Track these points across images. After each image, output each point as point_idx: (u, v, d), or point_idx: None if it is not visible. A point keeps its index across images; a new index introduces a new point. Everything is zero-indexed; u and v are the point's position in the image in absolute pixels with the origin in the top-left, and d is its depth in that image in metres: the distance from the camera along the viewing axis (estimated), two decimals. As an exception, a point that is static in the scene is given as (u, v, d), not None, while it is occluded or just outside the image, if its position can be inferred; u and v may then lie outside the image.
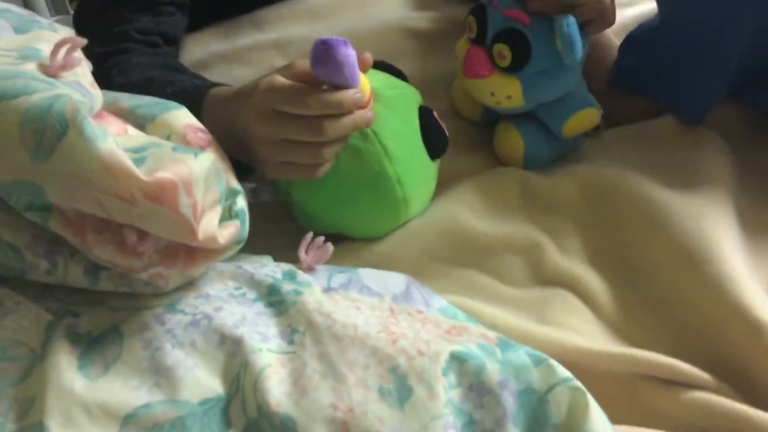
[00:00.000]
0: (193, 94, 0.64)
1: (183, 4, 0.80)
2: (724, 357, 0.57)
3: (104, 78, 0.63)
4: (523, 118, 0.73)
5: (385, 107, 0.63)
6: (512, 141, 0.72)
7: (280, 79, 0.57)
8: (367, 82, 0.59)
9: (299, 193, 0.64)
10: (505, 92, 0.68)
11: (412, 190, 0.64)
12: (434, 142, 0.66)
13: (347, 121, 0.58)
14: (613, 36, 0.85)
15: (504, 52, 0.66)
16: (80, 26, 0.79)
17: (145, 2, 0.75)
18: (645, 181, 0.67)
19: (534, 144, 0.72)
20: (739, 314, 0.56)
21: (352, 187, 0.63)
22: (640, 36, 0.76)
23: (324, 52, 0.54)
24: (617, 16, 0.91)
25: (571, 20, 0.63)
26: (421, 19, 0.89)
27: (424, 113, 0.67)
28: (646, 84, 0.75)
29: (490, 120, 0.76)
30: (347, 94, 0.57)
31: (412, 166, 0.64)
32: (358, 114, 0.58)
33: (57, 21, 0.66)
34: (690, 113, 0.74)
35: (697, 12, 0.70)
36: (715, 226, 0.61)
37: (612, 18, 0.68)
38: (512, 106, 0.69)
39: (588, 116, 0.71)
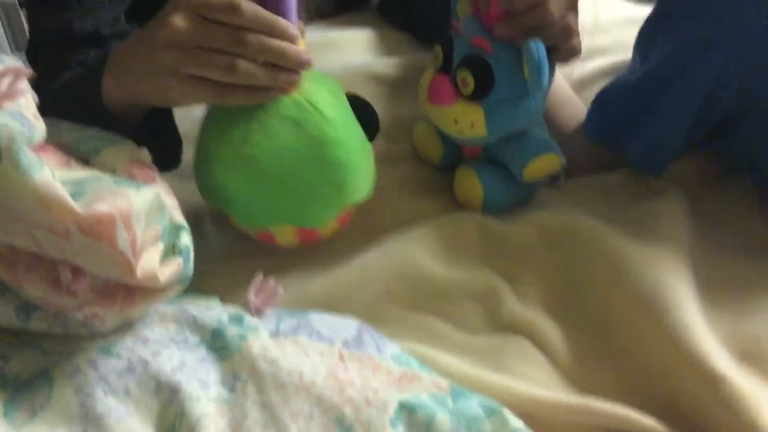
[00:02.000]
0: (95, 63, 0.60)
1: None
2: (681, 406, 0.56)
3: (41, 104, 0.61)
4: (482, 162, 0.73)
5: (314, 83, 0.61)
6: (471, 185, 0.72)
7: None
8: (302, 42, 0.57)
9: (238, 181, 0.60)
10: (468, 120, 0.67)
11: (356, 157, 0.61)
12: (366, 122, 0.65)
13: (275, 44, 0.53)
14: (570, 90, 0.86)
15: (467, 79, 0.66)
16: (31, 60, 0.77)
17: (90, 38, 0.73)
18: (604, 229, 0.67)
19: (493, 189, 0.71)
20: (695, 364, 0.55)
21: (295, 160, 0.59)
22: (609, 90, 0.77)
23: None
24: (576, 70, 0.93)
25: (540, 45, 0.63)
26: (384, 65, 0.89)
27: (352, 97, 0.65)
28: (611, 137, 0.76)
29: (450, 163, 0.76)
30: (283, 20, 0.54)
31: (352, 134, 0.62)
32: (290, 46, 0.54)
33: (19, 58, 0.65)
34: (648, 168, 0.75)
35: (654, 69, 0.72)
36: (672, 276, 0.61)
37: (578, 47, 0.67)
38: (475, 136, 0.69)
39: (549, 161, 0.70)
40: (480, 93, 0.66)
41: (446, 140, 0.75)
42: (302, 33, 0.58)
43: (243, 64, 0.53)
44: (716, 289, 0.63)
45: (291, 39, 0.55)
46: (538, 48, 0.62)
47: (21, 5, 1.70)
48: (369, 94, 0.84)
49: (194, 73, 0.54)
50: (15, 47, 1.66)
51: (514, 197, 0.73)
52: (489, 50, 0.65)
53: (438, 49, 0.69)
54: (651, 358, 0.58)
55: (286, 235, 0.63)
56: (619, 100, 0.76)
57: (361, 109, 0.65)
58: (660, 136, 0.73)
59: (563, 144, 0.80)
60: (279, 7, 0.55)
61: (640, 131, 0.74)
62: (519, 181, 0.71)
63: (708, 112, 0.71)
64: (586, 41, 0.96)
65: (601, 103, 0.77)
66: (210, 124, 0.62)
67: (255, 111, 0.59)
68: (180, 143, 0.66)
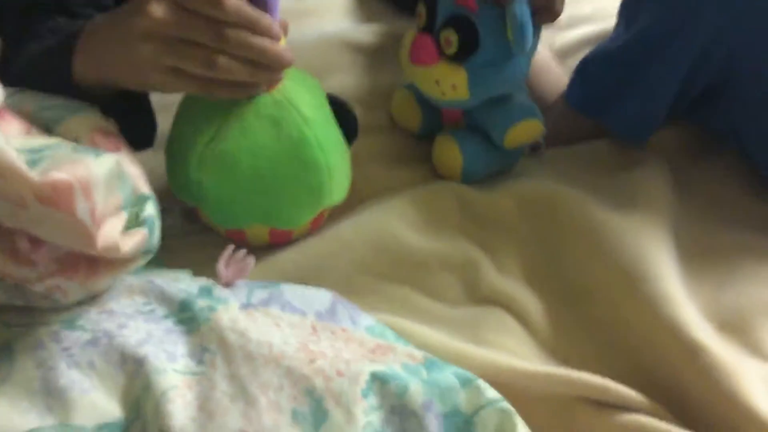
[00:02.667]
0: (65, 39, 0.58)
1: (106, 6, 0.76)
2: (660, 377, 0.55)
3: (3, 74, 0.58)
4: (462, 130, 0.71)
5: (294, 83, 0.60)
6: (450, 154, 0.70)
7: None
8: (283, 39, 0.56)
9: (213, 177, 0.58)
10: (450, 81, 0.65)
11: (333, 159, 0.60)
12: (345, 123, 0.64)
13: (256, 42, 0.52)
14: (552, 59, 0.85)
15: (451, 38, 0.64)
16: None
17: (60, 5, 0.71)
18: (584, 199, 0.65)
19: (472, 157, 0.70)
20: (674, 334, 0.54)
21: (272, 159, 0.58)
22: (592, 58, 0.76)
23: None
24: (558, 39, 0.92)
25: (525, 7, 0.61)
26: (362, 32, 0.87)
27: (332, 99, 0.64)
28: (594, 106, 0.75)
29: (429, 131, 0.74)
30: (266, 17, 0.52)
31: (331, 135, 0.61)
32: (272, 44, 0.53)
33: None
34: (632, 136, 0.74)
35: (639, 36, 0.71)
36: (653, 246, 0.60)
37: (560, 8, 0.66)
38: (457, 99, 0.67)
39: (531, 127, 0.69)
40: (463, 54, 0.65)
41: (425, 108, 0.73)
42: (285, 30, 0.57)
43: (223, 60, 0.52)
44: (697, 260, 0.62)
45: (273, 37, 0.53)
46: (522, 9, 0.61)
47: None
48: (346, 62, 0.82)
49: (173, 65, 0.52)
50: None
51: (495, 166, 0.71)
52: (475, 9, 0.64)
53: (421, 7, 0.67)
54: (630, 329, 0.57)
55: (258, 234, 0.62)
56: (603, 67, 0.75)
57: (340, 110, 0.64)
58: (644, 105, 0.72)
59: (544, 113, 0.79)
60: (262, 4, 0.54)
61: (624, 99, 0.72)
62: (500, 148, 0.70)
63: (692, 81, 0.70)
64: (568, 10, 0.94)
65: (583, 71, 0.76)
66: (183, 115, 0.61)
67: (232, 106, 0.58)
68: (154, 122, 0.65)
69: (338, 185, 0.62)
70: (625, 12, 0.75)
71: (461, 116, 0.72)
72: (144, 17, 0.51)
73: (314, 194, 0.60)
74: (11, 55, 0.65)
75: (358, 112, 0.71)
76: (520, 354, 0.57)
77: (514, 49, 0.64)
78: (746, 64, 0.67)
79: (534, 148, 0.75)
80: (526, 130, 0.69)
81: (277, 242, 0.62)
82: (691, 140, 0.77)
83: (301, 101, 0.59)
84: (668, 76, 0.70)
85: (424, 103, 0.73)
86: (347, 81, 0.79)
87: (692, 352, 0.53)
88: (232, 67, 0.53)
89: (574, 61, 0.78)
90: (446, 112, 0.73)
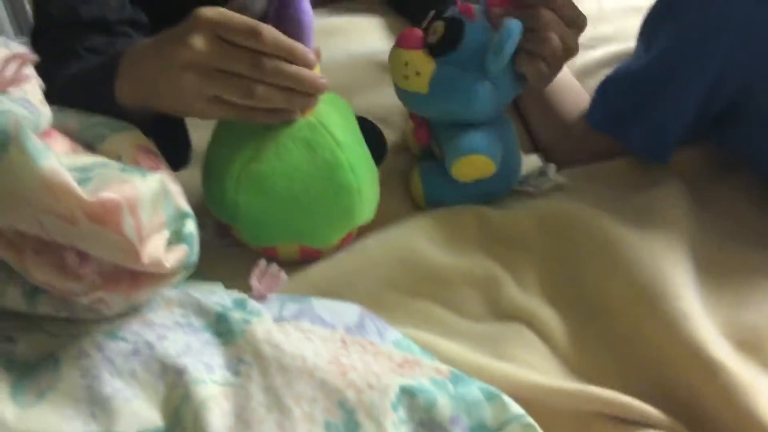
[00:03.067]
0: (108, 60, 0.61)
1: (141, 24, 0.78)
2: (678, 395, 0.56)
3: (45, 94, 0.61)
4: (429, 162, 0.73)
5: (327, 105, 0.63)
6: (414, 181, 0.72)
7: (230, 12, 0.54)
8: (317, 66, 0.58)
9: (249, 198, 0.60)
10: (417, 67, 0.66)
11: (364, 182, 0.62)
12: (374, 145, 0.66)
13: (292, 69, 0.55)
14: (573, 79, 0.86)
15: (438, 29, 0.66)
16: (35, 45, 0.78)
17: (96, 24, 0.73)
18: (603, 217, 0.67)
19: (434, 189, 0.71)
20: (693, 352, 0.56)
21: (306, 182, 0.60)
22: (613, 78, 0.77)
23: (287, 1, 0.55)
24: (579, 59, 0.93)
25: (515, 30, 0.62)
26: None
27: (361, 120, 0.67)
28: (614, 126, 0.76)
29: (424, 156, 0.76)
30: (301, 46, 0.55)
31: (361, 158, 0.63)
32: (307, 72, 0.56)
33: (21, 41, 0.65)
34: (652, 156, 0.75)
35: (659, 57, 0.72)
36: (671, 264, 0.61)
37: (549, 75, 0.66)
38: (416, 89, 0.67)
39: (479, 164, 0.68)
40: (442, 47, 0.66)
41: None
42: (318, 56, 0.59)
43: (261, 89, 0.55)
44: (715, 279, 0.63)
45: (308, 64, 0.56)
46: (512, 30, 0.62)
47: (24, -11, 1.70)
48: (373, 81, 0.84)
49: (214, 94, 0.55)
50: (18, 31, 1.66)
51: (463, 198, 0.71)
52: (471, 18, 0.66)
53: (430, 14, 0.70)
54: (649, 347, 0.58)
55: (289, 251, 0.64)
56: (623, 87, 0.76)
57: (369, 132, 0.66)
58: (663, 125, 0.73)
59: (566, 132, 0.80)
60: (297, 33, 0.56)
61: (644, 120, 0.74)
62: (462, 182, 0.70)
63: (710, 102, 0.71)
64: (590, 30, 0.96)
65: (604, 91, 0.77)
66: (221, 136, 0.63)
67: (268, 129, 0.60)
68: (189, 143, 0.67)
69: (368, 206, 0.65)
70: (645, 33, 0.77)
71: (426, 136, 0.73)
72: (186, 48, 0.54)
73: (345, 215, 0.63)
74: (50, 73, 0.68)
75: (385, 132, 0.73)
76: (541, 369, 0.59)
77: (487, 61, 0.64)
78: (763, 86, 0.68)
79: (542, 173, 0.76)
80: (474, 166, 0.68)
81: (307, 259, 0.64)
82: (709, 160, 0.78)
83: (334, 124, 0.61)
84: (686, 97, 0.71)
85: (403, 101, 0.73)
86: (374, 100, 0.81)
87: (710, 370, 0.55)
88: (270, 95, 0.55)
89: (595, 81, 0.80)
90: (417, 133, 0.74)
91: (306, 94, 0.57)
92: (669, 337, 0.57)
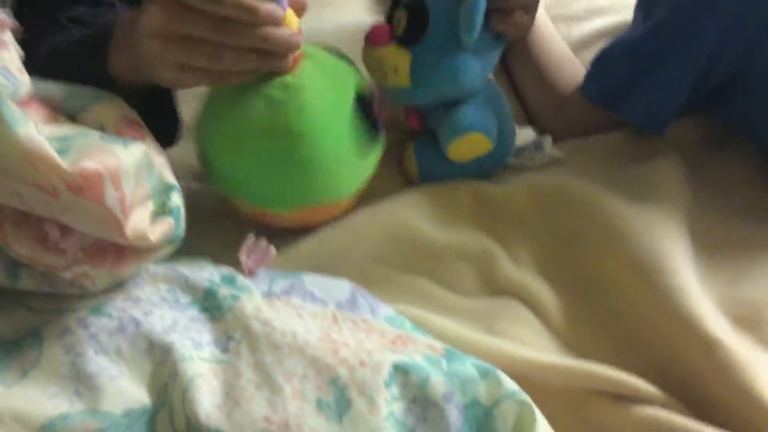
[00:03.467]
0: (99, 31, 0.60)
1: None
2: (674, 371, 0.56)
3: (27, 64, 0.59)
4: (424, 139, 0.71)
5: (317, 68, 0.61)
6: (409, 160, 0.71)
7: None
8: (295, 21, 0.56)
9: (208, 147, 0.60)
10: (393, 63, 0.65)
11: (325, 154, 0.60)
12: (374, 124, 0.64)
13: (258, 31, 0.52)
14: (568, 51, 0.85)
15: (401, 19, 0.65)
16: (18, 16, 0.75)
17: None
18: (599, 191, 0.65)
19: (428, 166, 0.69)
20: (689, 328, 0.55)
21: (258, 139, 0.58)
22: (609, 49, 0.76)
23: None
24: (575, 31, 0.91)
25: (480, 2, 0.61)
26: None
27: (362, 100, 0.64)
28: (610, 98, 0.74)
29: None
30: (266, 5, 0.52)
31: (333, 130, 0.61)
32: (275, 31, 0.53)
33: (2, 11, 0.63)
34: (649, 128, 0.73)
35: (657, 27, 0.71)
36: (668, 239, 0.60)
37: (523, 25, 0.65)
38: (398, 85, 0.66)
39: (476, 142, 0.67)
40: (411, 36, 0.64)
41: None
42: (303, 8, 0.57)
43: (227, 52, 0.53)
44: (713, 254, 0.63)
45: (276, 22, 0.53)
46: (477, 1, 0.60)
47: (5, -42, 1.65)
48: (359, 52, 0.82)
49: (180, 61, 0.53)
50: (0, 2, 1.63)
51: (457, 174, 0.69)
52: None
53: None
54: (645, 322, 0.58)
55: (279, 216, 0.63)
56: (620, 60, 0.74)
57: (370, 109, 0.64)
58: (660, 97, 0.72)
59: (561, 106, 0.79)
60: None
61: (641, 92, 0.72)
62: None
63: (708, 73, 0.70)
64: (584, 2, 0.94)
65: (601, 63, 0.76)
66: (208, 98, 0.62)
67: (246, 86, 0.58)
68: (179, 120, 0.65)
69: (335, 182, 0.62)
70: (642, 5, 0.75)
71: (418, 121, 0.71)
72: (148, 16, 0.52)
73: (299, 186, 0.60)
74: (32, 44, 0.66)
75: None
76: (535, 345, 0.58)
77: (461, 34, 0.63)
78: (762, 56, 0.67)
79: (537, 146, 0.75)
80: (471, 144, 0.67)
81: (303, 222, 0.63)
82: (707, 132, 0.77)
83: (312, 89, 0.59)
84: (684, 68, 0.70)
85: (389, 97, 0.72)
86: (363, 71, 0.79)
87: (707, 346, 0.54)
88: (238, 59, 0.53)
89: (591, 54, 0.78)
90: (408, 118, 0.72)
91: (277, 54, 0.55)
92: (665, 312, 0.56)
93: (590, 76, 0.76)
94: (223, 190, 0.62)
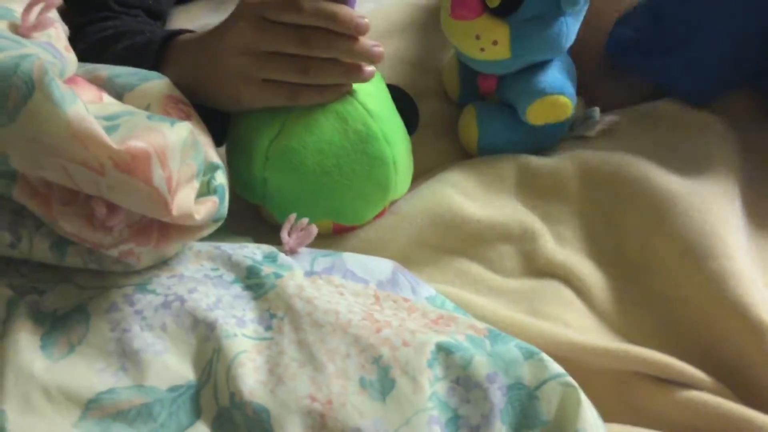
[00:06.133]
0: (150, 45, 0.60)
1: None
2: (723, 356, 0.54)
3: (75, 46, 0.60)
4: (488, 103, 0.69)
5: None
6: (468, 126, 0.69)
7: None
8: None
9: (279, 175, 0.58)
10: (492, 36, 0.63)
11: (399, 153, 0.60)
12: (407, 115, 0.63)
13: (342, 42, 0.53)
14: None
15: None
16: None
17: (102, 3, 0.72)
18: (648, 168, 0.63)
19: (489, 132, 0.68)
20: (740, 314, 0.53)
21: (339, 155, 0.57)
22: (637, 8, 0.72)
23: None
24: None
25: None
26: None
27: (393, 88, 0.64)
28: (644, 61, 0.71)
29: (467, 101, 0.72)
30: (345, 9, 0.53)
31: (395, 128, 0.61)
32: (359, 42, 0.54)
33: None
34: (693, 95, 0.70)
35: None
36: (721, 221, 0.58)
37: None
38: (497, 58, 0.64)
39: (557, 105, 0.65)
40: (508, 7, 0.62)
41: (464, 76, 0.71)
42: (366, 28, 0.56)
43: (314, 65, 0.54)
44: (764, 236, 0.61)
45: (357, 28, 0.53)
46: None
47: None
48: (405, 25, 0.81)
49: (268, 77, 0.54)
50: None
51: (520, 144, 0.68)
52: None
53: None
54: (693, 306, 0.56)
55: (322, 227, 0.60)
56: (652, 17, 0.70)
57: (402, 101, 0.63)
58: (708, 60, 0.68)
59: (596, 75, 0.75)
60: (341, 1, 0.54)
61: (682, 53, 0.69)
62: (525, 125, 0.67)
63: (751, 46, 0.67)
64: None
65: (628, 23, 0.72)
66: (244, 115, 0.60)
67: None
68: (226, 122, 0.65)
69: (402, 178, 0.62)
70: None
71: (495, 85, 0.69)
72: (236, 34, 0.54)
73: (380, 189, 0.60)
74: (80, 26, 0.67)
75: (412, 75, 0.70)
76: (578, 327, 0.57)
77: (563, 5, 0.61)
78: None
79: (589, 117, 0.73)
80: (551, 106, 0.65)
81: (341, 232, 0.62)
82: (756, 106, 0.73)
83: (365, 94, 0.59)
84: (721, 39, 0.67)
85: (464, 72, 0.71)
86: (407, 44, 0.77)
87: (758, 331, 0.52)
88: (324, 71, 0.54)
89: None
90: (482, 81, 0.70)
91: (358, 66, 0.55)
92: (715, 298, 0.55)
93: (614, 36, 0.73)
94: (285, 216, 0.58)
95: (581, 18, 0.65)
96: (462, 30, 0.64)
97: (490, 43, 0.63)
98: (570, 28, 0.64)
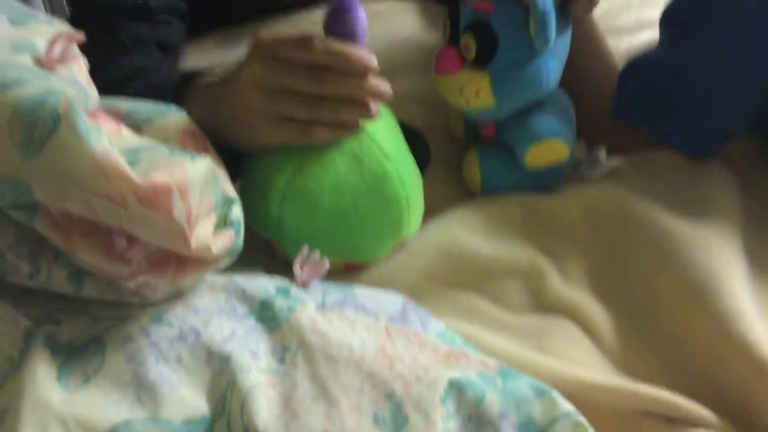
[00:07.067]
0: (167, 86, 0.62)
1: (183, 13, 0.78)
2: (728, 395, 0.55)
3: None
4: (488, 146, 0.71)
5: None
6: (471, 168, 0.71)
7: (285, 31, 0.56)
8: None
9: (295, 214, 0.59)
10: (474, 87, 0.65)
11: (412, 193, 0.61)
12: (418, 155, 0.65)
13: (352, 81, 0.55)
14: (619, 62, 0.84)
15: (469, 44, 0.64)
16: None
17: (141, 10, 0.73)
18: (653, 208, 0.65)
19: (491, 174, 0.69)
20: (745, 352, 0.54)
21: (355, 195, 0.58)
22: (644, 62, 0.74)
23: (338, 6, 0.55)
24: (623, 42, 0.91)
25: (549, 3, 0.60)
26: (431, 36, 0.87)
27: (405, 128, 0.65)
28: (647, 116, 0.73)
29: (472, 142, 0.74)
30: (355, 48, 0.55)
31: (408, 168, 0.62)
32: (368, 82, 0.55)
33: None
34: (697, 149, 0.72)
35: (710, 46, 0.69)
36: (724, 260, 0.59)
37: None
38: (483, 107, 0.66)
39: (554, 148, 0.67)
40: (484, 57, 0.64)
41: (467, 120, 0.73)
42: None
43: (325, 103, 0.55)
44: (766, 276, 0.62)
45: (367, 67, 0.55)
46: (545, 8, 0.60)
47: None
48: (412, 64, 0.83)
49: (280, 113, 0.56)
50: (50, 11, 1.66)
51: (521, 184, 0.70)
52: (491, 11, 0.63)
53: (446, 21, 0.68)
54: (699, 345, 0.57)
55: (334, 264, 0.60)
56: (657, 73, 0.72)
57: (414, 141, 0.65)
58: (712, 116, 0.70)
59: (604, 122, 0.77)
60: (349, 34, 0.55)
61: (687, 108, 0.71)
62: (524, 168, 0.68)
63: (756, 98, 0.69)
64: (635, 13, 0.94)
65: (632, 77, 0.73)
66: (261, 153, 0.61)
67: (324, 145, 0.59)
68: (238, 160, 0.65)
69: (415, 217, 0.63)
70: (671, 23, 0.73)
71: (494, 131, 0.71)
72: (248, 71, 0.55)
73: (394, 228, 0.61)
74: (95, 60, 0.68)
75: (420, 113, 0.72)
76: (585, 364, 0.58)
77: (536, 45, 0.63)
78: None
79: (593, 158, 0.74)
80: (548, 150, 0.67)
81: (352, 270, 0.63)
82: (756, 150, 0.75)
83: (380, 134, 0.60)
84: (738, 90, 0.69)
85: (467, 117, 0.73)
86: (414, 83, 0.79)
87: (763, 371, 0.53)
88: (334, 107, 0.56)
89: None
90: (482, 128, 0.72)
91: (367, 104, 0.56)
92: (721, 335, 0.55)
93: (620, 89, 0.74)
94: (290, 245, 0.60)
95: (564, 55, 0.67)
96: (447, 84, 0.67)
97: (473, 94, 0.65)
98: (550, 67, 0.65)
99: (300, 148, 0.58)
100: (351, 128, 0.58)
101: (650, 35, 0.91)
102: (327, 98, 0.55)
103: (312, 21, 0.89)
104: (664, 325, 0.59)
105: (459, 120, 0.75)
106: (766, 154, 0.75)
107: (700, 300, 0.57)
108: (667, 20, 0.74)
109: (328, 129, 0.57)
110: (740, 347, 0.54)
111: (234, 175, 0.62)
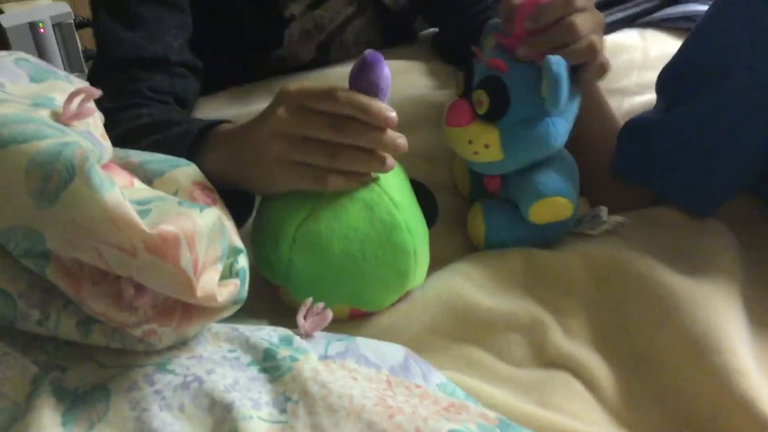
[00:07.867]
0: (186, 136, 0.64)
1: (198, 69, 0.81)
2: (730, 452, 0.55)
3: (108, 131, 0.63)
4: (494, 200, 0.72)
5: None
6: (475, 222, 0.72)
7: (308, 83, 0.58)
8: None
9: (304, 258, 0.60)
10: (483, 140, 0.66)
11: (419, 244, 0.62)
12: (426, 208, 0.66)
13: (371, 131, 0.57)
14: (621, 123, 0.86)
15: (482, 98, 0.66)
16: (94, 84, 0.80)
17: (159, 63, 0.76)
18: (654, 264, 0.66)
19: (495, 228, 0.71)
20: (745, 409, 0.54)
21: (364, 243, 0.59)
22: (642, 123, 0.75)
23: (365, 60, 0.56)
24: (626, 104, 0.93)
25: (560, 60, 0.62)
26: (440, 94, 0.90)
27: (414, 182, 0.67)
28: (648, 174, 0.75)
29: (477, 196, 0.75)
30: (377, 102, 0.56)
31: (417, 219, 0.63)
32: (386, 134, 0.57)
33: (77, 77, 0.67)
34: (697, 207, 0.73)
35: (704, 108, 0.71)
36: (724, 317, 0.60)
37: (606, 63, 0.66)
38: (490, 160, 0.68)
39: (557, 206, 0.68)
40: (495, 113, 0.66)
41: (473, 174, 0.75)
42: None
43: (343, 152, 0.57)
44: (766, 333, 0.62)
45: (386, 120, 0.57)
46: (557, 63, 0.62)
47: (76, 27, 1.76)
48: (418, 121, 0.85)
49: (298, 159, 0.58)
50: (69, 68, 1.72)
51: (524, 239, 0.71)
52: (505, 70, 0.65)
53: (459, 76, 0.70)
54: (700, 401, 0.57)
55: (339, 312, 0.62)
56: (656, 134, 0.73)
57: (422, 195, 0.67)
58: (711, 177, 0.72)
59: (606, 180, 0.78)
60: (373, 89, 0.57)
61: (686, 168, 0.72)
62: (527, 223, 0.70)
63: (755, 160, 0.70)
64: (635, 77, 0.96)
65: (631, 137, 0.75)
66: (274, 198, 0.63)
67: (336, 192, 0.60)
68: (252, 203, 0.67)
69: (421, 268, 0.64)
70: (668, 85, 0.75)
71: (500, 184, 0.73)
72: (274, 119, 0.57)
73: (401, 277, 0.62)
74: (115, 111, 0.70)
75: (427, 169, 0.73)
76: (585, 419, 0.58)
77: (547, 106, 0.64)
78: None
79: (595, 216, 0.75)
80: (552, 208, 0.68)
81: (356, 318, 0.64)
82: (753, 209, 0.77)
83: (390, 185, 0.62)
84: (737, 153, 0.70)
85: (473, 171, 0.74)
86: (419, 139, 0.81)
87: (764, 427, 0.53)
88: (352, 157, 0.57)
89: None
90: (488, 181, 0.74)
91: (382, 156, 0.58)
92: (721, 392, 0.55)
93: (620, 149, 0.76)
94: (305, 297, 0.59)
95: (572, 118, 0.69)
96: (457, 136, 0.68)
97: (482, 147, 0.67)
98: (558, 128, 0.67)
99: (313, 194, 0.60)
100: (364, 180, 0.60)
101: (651, 98, 0.93)
102: (345, 148, 0.57)
103: (322, 79, 0.92)
104: (665, 380, 0.59)
105: (464, 175, 0.77)
106: (765, 213, 0.76)
107: (701, 356, 0.58)
108: (662, 83, 0.76)
109: (343, 178, 0.59)
110: (741, 403, 0.54)
111: (248, 218, 0.64)
